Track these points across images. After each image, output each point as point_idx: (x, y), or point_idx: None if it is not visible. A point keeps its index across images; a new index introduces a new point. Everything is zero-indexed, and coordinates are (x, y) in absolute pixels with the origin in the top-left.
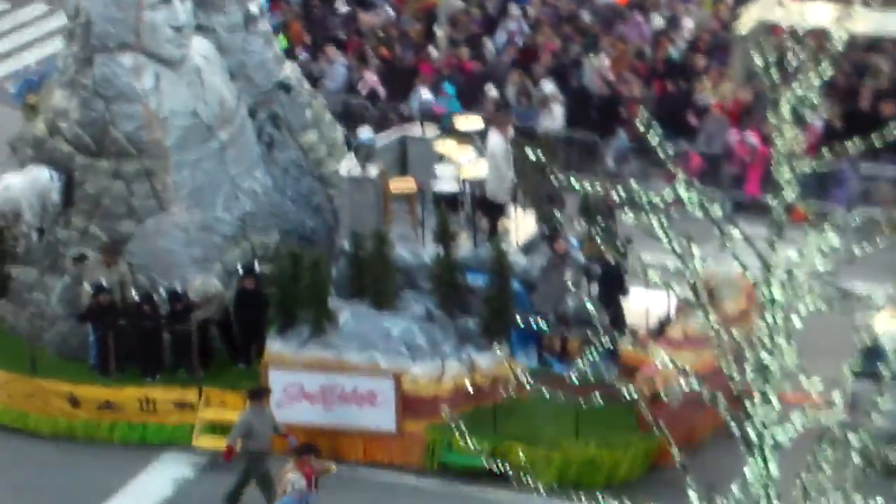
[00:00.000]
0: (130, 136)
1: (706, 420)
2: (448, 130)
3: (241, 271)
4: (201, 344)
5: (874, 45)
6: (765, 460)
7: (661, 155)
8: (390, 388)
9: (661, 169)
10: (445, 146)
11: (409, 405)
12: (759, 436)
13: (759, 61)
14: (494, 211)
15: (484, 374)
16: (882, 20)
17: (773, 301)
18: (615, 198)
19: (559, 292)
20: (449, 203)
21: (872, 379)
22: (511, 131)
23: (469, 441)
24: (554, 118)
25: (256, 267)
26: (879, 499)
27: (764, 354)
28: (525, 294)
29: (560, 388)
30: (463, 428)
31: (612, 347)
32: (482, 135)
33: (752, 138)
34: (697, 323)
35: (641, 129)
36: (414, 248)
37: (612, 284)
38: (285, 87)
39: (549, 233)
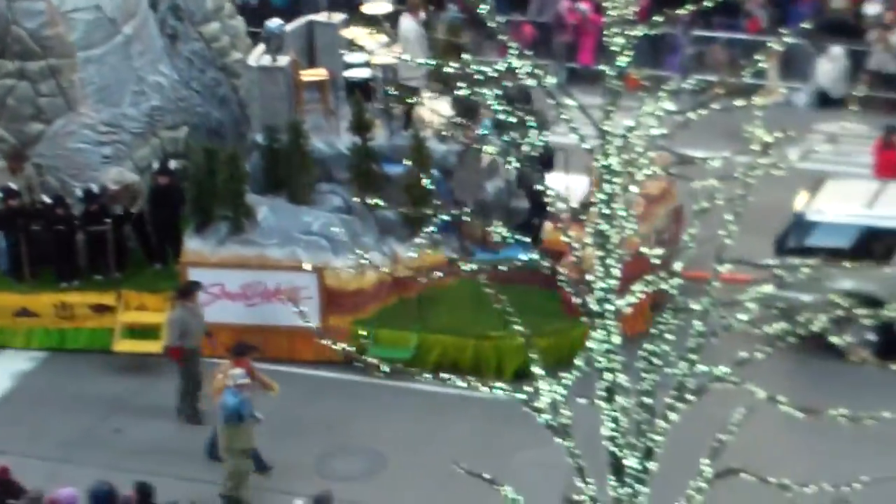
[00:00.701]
0: (34, 33)
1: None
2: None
3: (154, 168)
4: (116, 245)
5: None
6: (607, 329)
7: (492, 26)
8: (313, 283)
9: (493, 41)
10: (353, 32)
11: (332, 300)
12: (601, 303)
13: None
14: (409, 97)
15: (406, 266)
16: None
17: (609, 169)
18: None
19: (477, 179)
20: (361, 91)
21: (799, 253)
22: (423, 14)
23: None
24: None
25: (170, 163)
26: (723, 367)
27: (602, 223)
28: (443, 182)
29: (493, 278)
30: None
31: (534, 232)
32: (389, 18)
33: (583, 6)
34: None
35: (472, 1)
36: (328, 138)
37: (531, 168)
38: None
39: (464, 119)
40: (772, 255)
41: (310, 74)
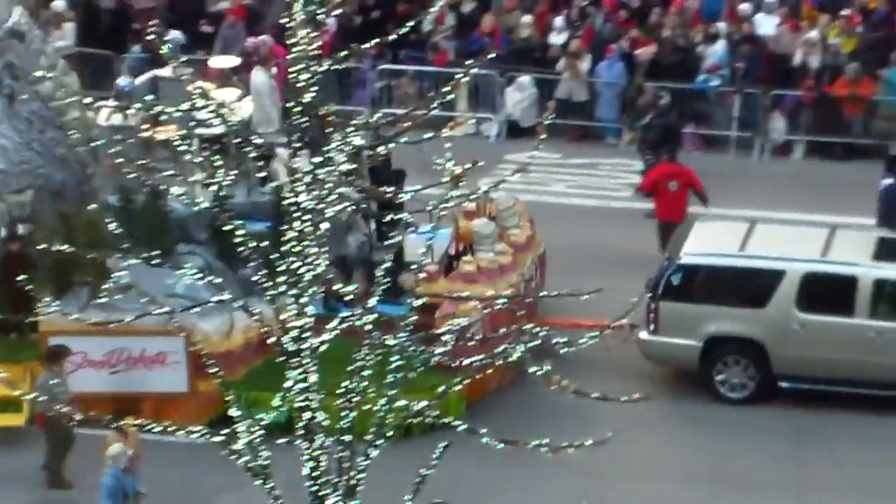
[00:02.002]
0: None
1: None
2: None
3: (2, 234)
4: None
5: None
6: (303, 368)
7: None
8: (181, 346)
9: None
10: (201, 86)
11: (200, 363)
12: (297, 341)
13: None
14: (265, 151)
15: (271, 325)
16: None
17: (299, 206)
18: None
19: (339, 233)
20: (215, 146)
21: (673, 298)
22: (274, 69)
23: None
24: (65, 36)
25: (19, 229)
26: (423, 401)
27: (295, 260)
28: None
29: (353, 333)
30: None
31: (398, 286)
32: (235, 71)
33: (268, 40)
34: (489, 255)
35: (154, 40)
36: (184, 197)
37: (390, 221)
38: (17, 34)
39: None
40: (645, 298)
41: (163, 132)
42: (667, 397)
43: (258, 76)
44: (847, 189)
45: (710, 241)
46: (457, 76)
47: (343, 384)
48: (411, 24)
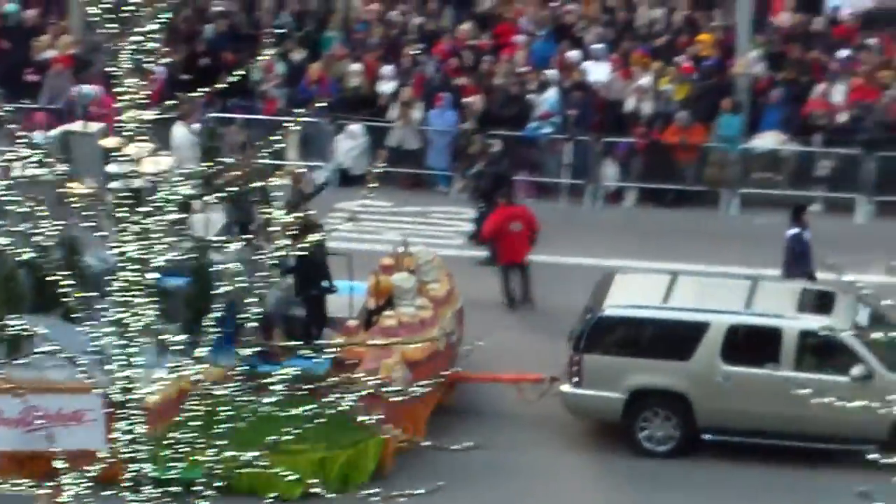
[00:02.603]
0: None
1: (426, 408)
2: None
3: None
4: None
5: None
6: (130, 419)
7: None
8: (98, 404)
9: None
10: (114, 141)
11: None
12: (124, 392)
13: (94, 10)
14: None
15: (189, 381)
16: None
17: (126, 256)
18: None
19: (261, 288)
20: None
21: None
22: (196, 124)
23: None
24: None
25: None
26: (252, 452)
27: (122, 310)
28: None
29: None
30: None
31: (316, 342)
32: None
33: (93, 90)
34: (410, 309)
35: None
36: (99, 252)
37: (307, 276)
38: None
39: (243, 226)
40: (567, 353)
41: (80, 186)
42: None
43: (178, 130)
44: (679, 235)
45: (632, 294)
46: (286, 124)
47: (170, 434)
48: (240, 72)
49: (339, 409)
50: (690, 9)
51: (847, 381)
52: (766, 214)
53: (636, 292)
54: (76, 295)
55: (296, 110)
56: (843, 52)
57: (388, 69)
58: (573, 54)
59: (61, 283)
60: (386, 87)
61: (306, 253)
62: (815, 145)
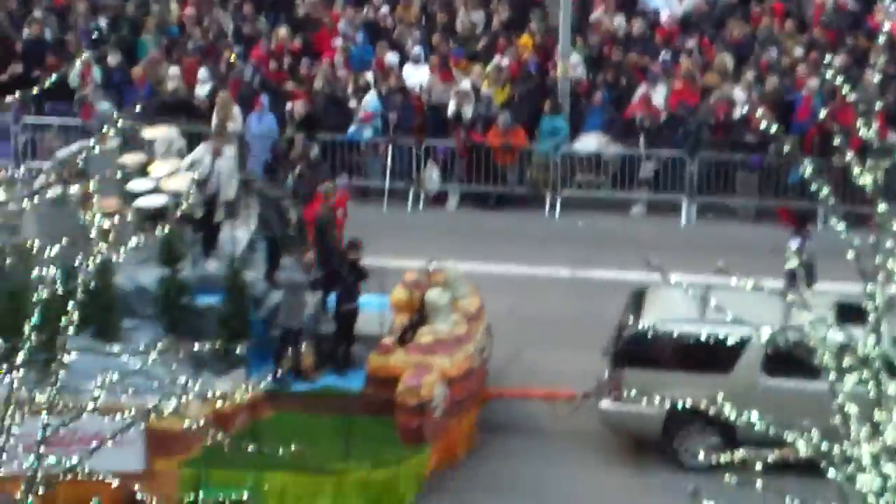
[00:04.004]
0: None
1: (464, 426)
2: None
3: None
4: None
5: None
6: None
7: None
8: (137, 426)
9: None
10: (133, 158)
11: (157, 442)
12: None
13: None
14: (207, 225)
15: (226, 401)
16: None
17: None
18: None
19: (303, 306)
20: (154, 219)
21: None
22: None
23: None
24: None
25: None
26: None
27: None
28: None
29: (313, 406)
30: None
31: (347, 358)
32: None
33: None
34: (445, 326)
35: None
36: (127, 272)
37: (340, 293)
38: None
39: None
40: (605, 368)
41: (105, 205)
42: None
43: (200, 149)
44: (502, 238)
45: (668, 308)
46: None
47: None
48: (55, 77)
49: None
50: (511, 11)
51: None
52: (590, 216)
53: (672, 306)
54: (108, 316)
55: (115, 115)
56: (664, 55)
57: (202, 72)
58: (391, 57)
59: (93, 303)
60: (200, 90)
61: (340, 268)
62: (638, 147)
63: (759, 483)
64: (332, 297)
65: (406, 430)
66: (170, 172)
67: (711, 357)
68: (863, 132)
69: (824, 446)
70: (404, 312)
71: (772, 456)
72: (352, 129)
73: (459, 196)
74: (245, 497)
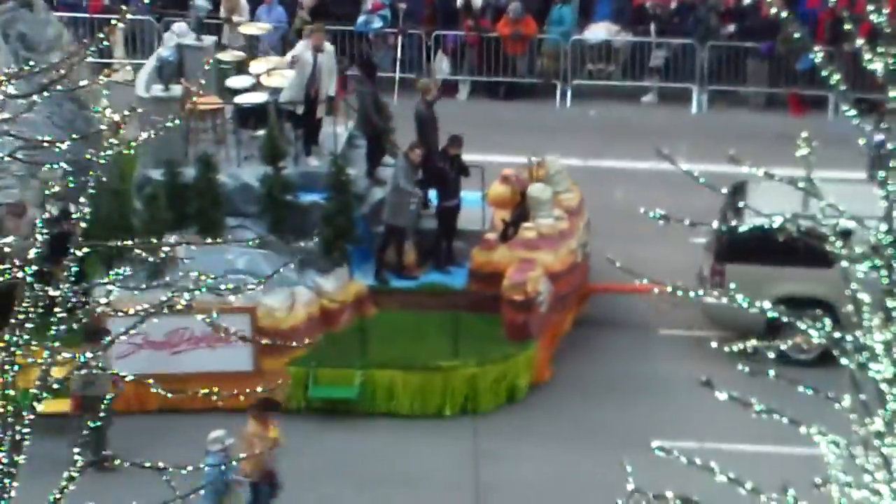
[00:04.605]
0: None
1: (565, 322)
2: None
3: (54, 213)
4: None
5: None
6: None
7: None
8: (246, 324)
9: None
10: (232, 55)
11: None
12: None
13: None
14: (307, 121)
15: (331, 299)
16: None
17: None
18: None
19: (409, 202)
20: (254, 116)
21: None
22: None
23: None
24: None
25: (70, 207)
26: None
27: None
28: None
29: (416, 303)
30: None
31: (449, 255)
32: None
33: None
34: (549, 220)
35: None
36: (230, 169)
37: (442, 189)
38: (26, 3)
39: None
40: (704, 263)
41: (205, 102)
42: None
43: (299, 45)
44: (513, 128)
45: (771, 201)
46: (112, 22)
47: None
48: None
49: None
50: None
51: None
52: (600, 105)
53: (774, 200)
54: (213, 214)
55: (121, 7)
56: None
57: None
58: None
59: (197, 201)
60: None
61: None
62: (649, 35)
63: (771, 372)
64: (433, 194)
65: (512, 326)
66: (269, 69)
67: (816, 250)
68: (873, 17)
69: (836, 334)
70: (504, 208)
71: (784, 345)
72: (361, 18)
73: (470, 86)
74: (354, 395)
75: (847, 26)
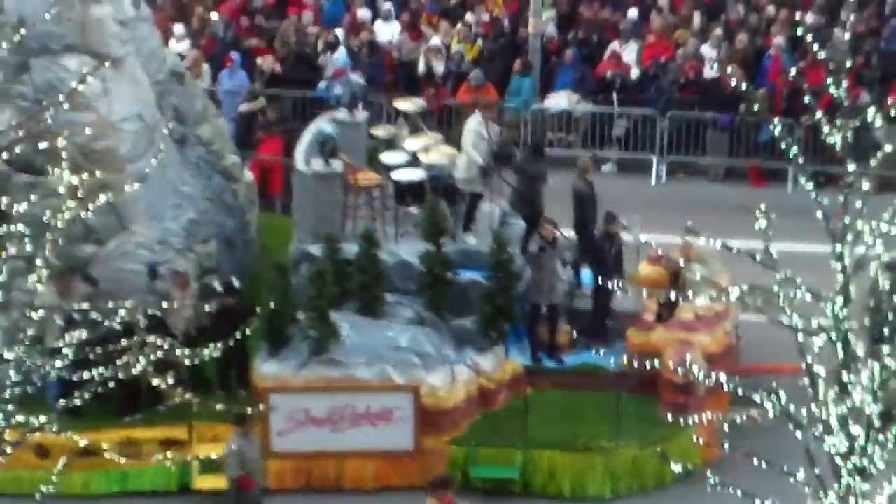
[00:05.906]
0: (82, 147)
1: (722, 405)
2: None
3: (217, 288)
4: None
5: None
6: None
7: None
8: (408, 402)
9: None
10: (387, 130)
11: (427, 420)
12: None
13: None
14: (468, 199)
15: (489, 378)
16: None
17: None
18: None
19: (552, 281)
20: (412, 193)
21: None
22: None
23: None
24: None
25: (234, 282)
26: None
27: None
28: None
29: (570, 384)
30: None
31: (604, 334)
32: (423, 116)
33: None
34: (704, 302)
35: None
36: (388, 246)
37: (603, 269)
38: (179, 75)
39: (531, 217)
40: None
41: (366, 178)
42: None
43: (473, 122)
44: None
45: None
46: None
47: None
48: None
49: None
50: None
51: None
52: (561, 175)
53: None
54: (374, 290)
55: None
56: (634, 12)
57: (178, 28)
58: (362, 13)
59: (360, 277)
60: (178, 46)
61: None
62: (610, 105)
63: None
64: (587, 272)
65: (671, 407)
66: (426, 145)
67: None
68: (833, 91)
69: (792, 408)
70: (653, 288)
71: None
72: (322, 84)
73: None
74: (515, 475)
75: (806, 99)
